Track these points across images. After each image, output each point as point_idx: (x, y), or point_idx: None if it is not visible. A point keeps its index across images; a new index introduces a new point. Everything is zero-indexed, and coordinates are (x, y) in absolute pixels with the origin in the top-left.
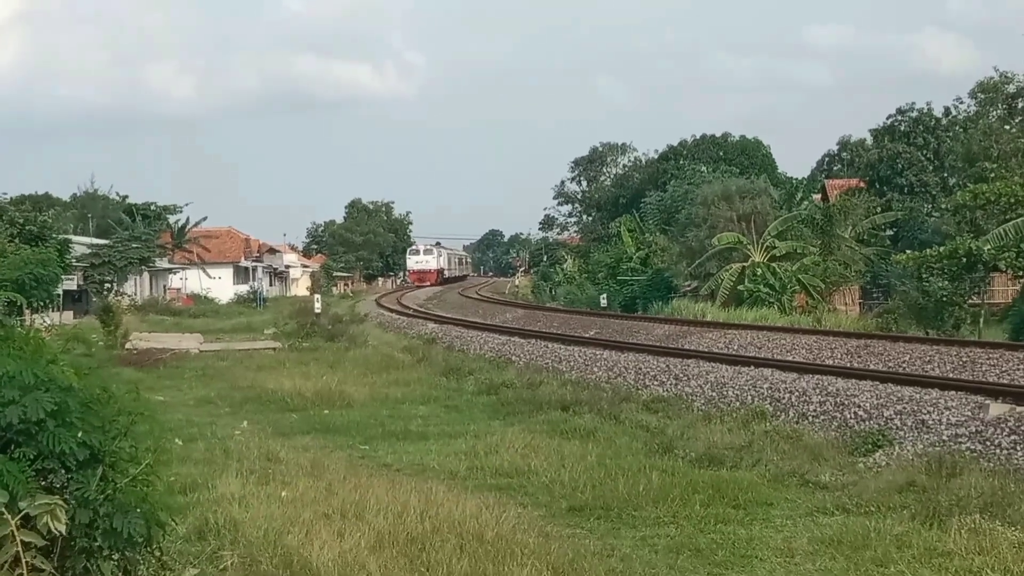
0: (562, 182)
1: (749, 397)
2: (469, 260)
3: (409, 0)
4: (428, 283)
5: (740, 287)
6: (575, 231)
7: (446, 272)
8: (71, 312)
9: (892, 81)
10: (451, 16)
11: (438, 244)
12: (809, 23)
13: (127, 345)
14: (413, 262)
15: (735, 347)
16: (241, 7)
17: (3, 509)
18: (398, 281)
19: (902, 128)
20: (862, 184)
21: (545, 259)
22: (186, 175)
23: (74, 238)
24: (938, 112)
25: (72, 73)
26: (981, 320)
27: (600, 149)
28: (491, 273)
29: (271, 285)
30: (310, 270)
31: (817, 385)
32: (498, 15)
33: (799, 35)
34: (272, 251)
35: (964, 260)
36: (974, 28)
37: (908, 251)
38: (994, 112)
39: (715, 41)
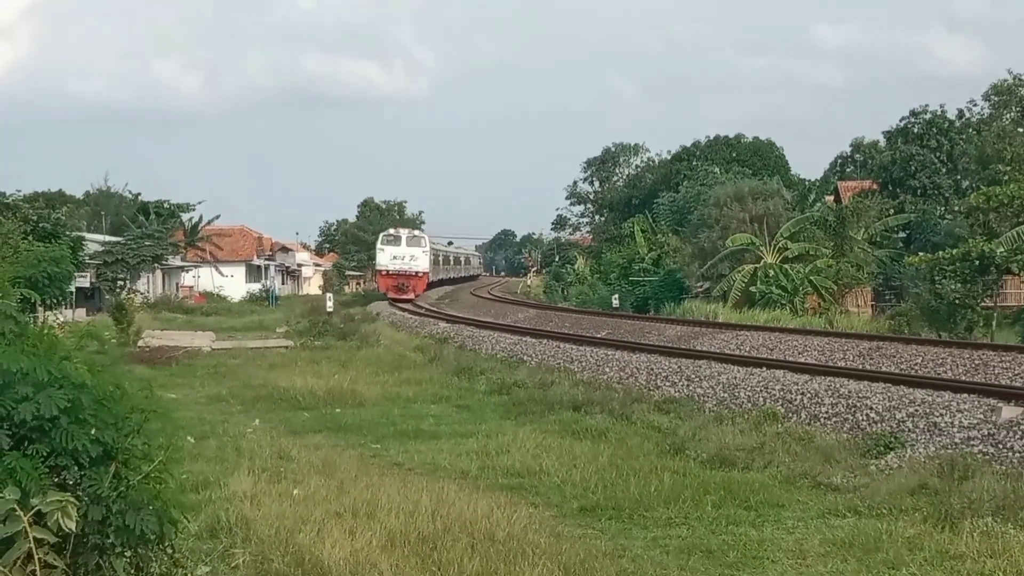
0: (575, 182)
1: (761, 399)
2: (480, 259)
3: None
4: (411, 294)
5: (752, 288)
6: (587, 231)
7: (431, 276)
8: (84, 309)
9: (903, 82)
10: (461, 14)
11: (452, 243)
12: (818, 22)
13: (139, 343)
14: (388, 257)
15: (747, 348)
16: (253, 4)
17: (15, 506)
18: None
19: (915, 130)
20: (875, 186)
21: (557, 259)
22: (199, 172)
23: (87, 235)
24: (951, 114)
25: (83, 68)
26: (994, 323)
27: (613, 150)
28: (503, 273)
29: (283, 283)
30: (322, 269)
31: (829, 387)
32: (508, 13)
33: (808, 35)
34: (284, 249)
35: (977, 263)
36: (984, 28)
37: (921, 253)
38: (1008, 115)
39: (726, 40)
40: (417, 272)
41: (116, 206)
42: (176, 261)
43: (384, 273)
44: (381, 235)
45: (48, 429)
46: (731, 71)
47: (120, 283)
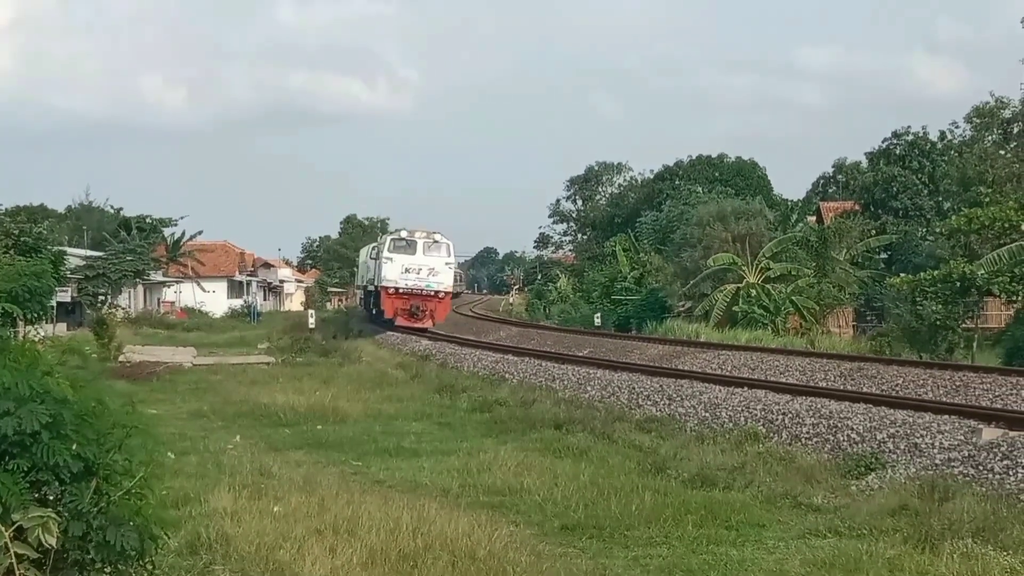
0: (557, 200)
1: (742, 418)
2: (462, 277)
3: (403, 16)
4: (428, 322)
5: (734, 308)
6: (570, 250)
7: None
8: (64, 324)
9: (886, 103)
10: (445, 32)
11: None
12: (800, 44)
13: (120, 358)
14: (397, 270)
15: (729, 368)
16: (237, 21)
17: None
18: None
19: (897, 151)
20: (857, 207)
21: (539, 277)
22: (181, 188)
23: (69, 250)
24: (934, 136)
25: (66, 83)
26: (974, 344)
27: (596, 168)
28: (485, 291)
29: (265, 299)
30: (304, 285)
31: (810, 407)
32: (492, 31)
33: (791, 56)
34: (267, 265)
35: (958, 284)
36: (966, 51)
37: (902, 274)
38: (989, 137)
39: (709, 60)
40: (438, 292)
41: (98, 221)
42: (158, 276)
43: (392, 292)
44: (388, 239)
45: (29, 444)
46: (714, 91)
47: (101, 298)
